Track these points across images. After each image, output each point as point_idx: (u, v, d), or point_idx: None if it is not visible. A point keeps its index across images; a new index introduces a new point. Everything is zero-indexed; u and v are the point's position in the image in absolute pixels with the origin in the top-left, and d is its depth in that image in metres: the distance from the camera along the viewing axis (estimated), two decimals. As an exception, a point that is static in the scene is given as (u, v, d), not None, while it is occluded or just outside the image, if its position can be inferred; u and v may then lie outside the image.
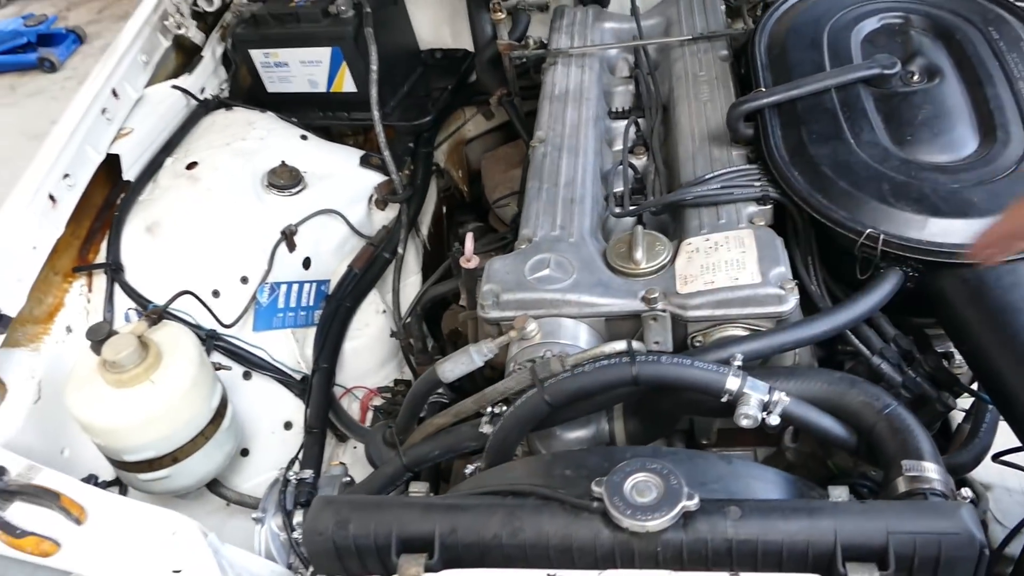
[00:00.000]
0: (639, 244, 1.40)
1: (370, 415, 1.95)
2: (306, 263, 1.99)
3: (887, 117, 1.50)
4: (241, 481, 1.80)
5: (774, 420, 1.15)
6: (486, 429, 1.33)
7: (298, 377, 1.88)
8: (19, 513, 1.27)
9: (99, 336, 1.48)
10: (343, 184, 2.13)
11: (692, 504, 0.99)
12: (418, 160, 2.28)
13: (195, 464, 1.56)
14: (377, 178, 2.20)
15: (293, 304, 1.89)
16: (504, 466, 1.26)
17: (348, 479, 1.60)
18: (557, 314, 1.37)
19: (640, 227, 1.44)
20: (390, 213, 2.20)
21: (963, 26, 1.64)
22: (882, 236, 1.30)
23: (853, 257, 1.36)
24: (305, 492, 1.52)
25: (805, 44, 1.65)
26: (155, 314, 1.57)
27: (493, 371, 1.51)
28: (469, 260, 1.57)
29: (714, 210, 1.49)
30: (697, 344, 1.33)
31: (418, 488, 1.22)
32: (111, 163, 1.98)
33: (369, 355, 1.96)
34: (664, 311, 1.32)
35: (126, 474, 1.55)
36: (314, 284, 1.95)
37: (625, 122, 1.87)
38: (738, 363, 1.17)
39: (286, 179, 2.01)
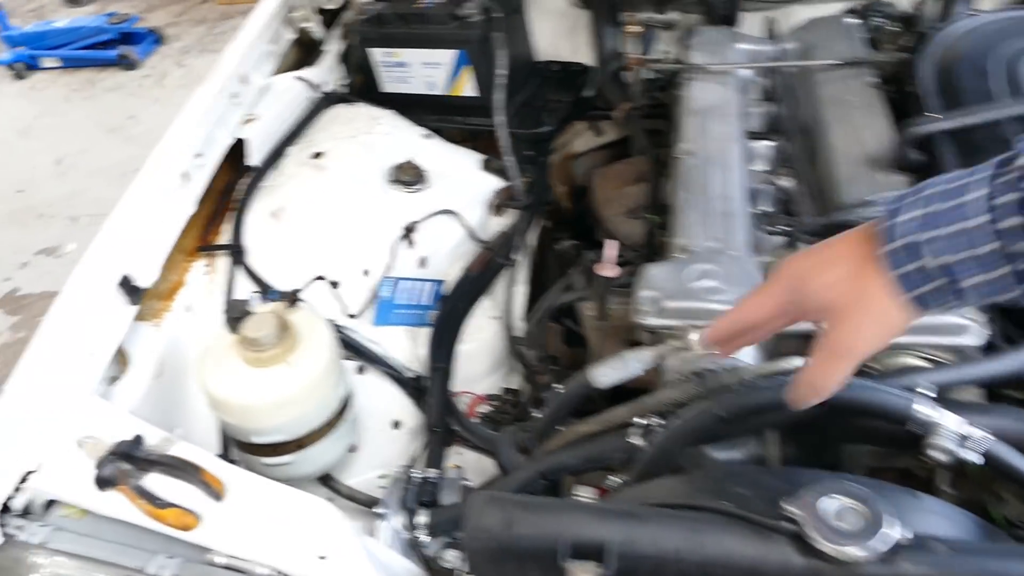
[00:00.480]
0: (807, 262, 1.34)
1: (476, 422, 1.90)
2: (422, 262, 1.95)
3: (1069, 153, 1.43)
4: (346, 477, 1.75)
5: (973, 456, 1.07)
6: (636, 441, 1.27)
7: (411, 376, 1.83)
8: (152, 484, 1.24)
9: (236, 314, 1.45)
10: (463, 186, 2.10)
11: (904, 536, 0.92)
12: (537, 169, 2.25)
13: (317, 453, 1.52)
14: (496, 183, 2.17)
15: (412, 302, 1.84)
16: (661, 481, 1.19)
17: (467, 482, 1.55)
18: (719, 327, 1.31)
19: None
20: (505, 220, 2.16)
21: None
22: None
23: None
24: (428, 492, 1.47)
25: (976, 73, 1.59)
26: (293, 296, 1.54)
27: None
28: (609, 268, 1.53)
29: (881, 234, 1.42)
30: (871, 370, 1.26)
31: (585, 492, 1.16)
32: (232, 149, 1.97)
33: (480, 361, 1.90)
34: (841, 332, 1.25)
35: (248, 457, 1.51)
36: (431, 283, 1.90)
37: (761, 143, 1.83)
38: (929, 392, 1.11)
39: (411, 176, 1.98)
